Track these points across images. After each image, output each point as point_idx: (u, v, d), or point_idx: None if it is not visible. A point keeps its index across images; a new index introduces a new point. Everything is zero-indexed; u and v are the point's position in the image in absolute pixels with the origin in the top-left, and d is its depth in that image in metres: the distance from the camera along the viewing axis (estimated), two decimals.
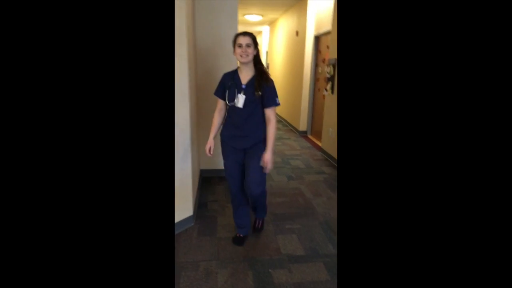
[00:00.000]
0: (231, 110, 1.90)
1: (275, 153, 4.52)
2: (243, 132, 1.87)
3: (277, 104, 1.85)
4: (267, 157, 1.84)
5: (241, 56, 1.77)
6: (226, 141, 1.95)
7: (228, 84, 1.88)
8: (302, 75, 5.13)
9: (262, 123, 1.88)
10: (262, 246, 2.09)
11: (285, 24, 6.27)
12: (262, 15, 6.61)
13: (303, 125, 5.34)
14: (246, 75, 1.86)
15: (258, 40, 6.05)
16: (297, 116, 5.47)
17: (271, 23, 7.76)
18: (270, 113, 1.85)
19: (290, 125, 5.88)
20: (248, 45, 1.77)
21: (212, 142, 1.95)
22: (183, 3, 1.93)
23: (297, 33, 5.39)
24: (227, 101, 1.88)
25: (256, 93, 1.79)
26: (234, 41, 1.81)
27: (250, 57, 1.79)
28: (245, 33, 1.79)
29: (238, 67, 1.92)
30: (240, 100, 1.82)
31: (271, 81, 1.84)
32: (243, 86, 1.84)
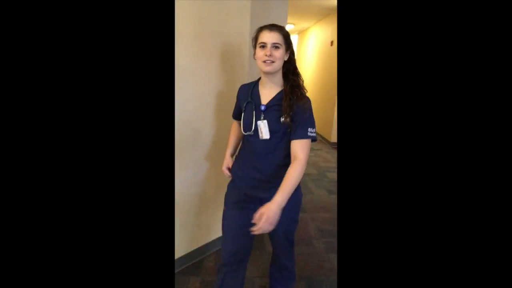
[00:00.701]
0: (246, 140, 1.31)
1: (308, 164, 4.45)
2: (262, 175, 1.25)
3: (310, 137, 1.17)
4: (269, 210, 1.04)
5: (264, 62, 1.15)
6: (237, 183, 1.32)
7: (244, 103, 1.28)
8: (336, 85, 5.03)
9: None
10: (315, 265, 1.98)
11: (318, 33, 6.20)
12: (294, 24, 6.58)
13: (334, 136, 5.21)
14: (269, 91, 1.24)
15: None
16: (328, 127, 5.35)
17: (301, 32, 7.73)
18: (297, 148, 1.16)
19: (321, 136, 5.77)
20: (276, 46, 1.14)
21: (230, 160, 1.45)
22: (248, 6, 1.88)
23: (331, 43, 5.31)
24: (242, 129, 1.28)
25: (284, 120, 1.16)
26: (255, 38, 1.19)
27: (277, 64, 1.16)
28: (272, 27, 1.16)
29: (259, 79, 1.29)
30: (263, 129, 1.20)
31: (307, 100, 1.18)
32: (262, 107, 1.22)
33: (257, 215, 1.05)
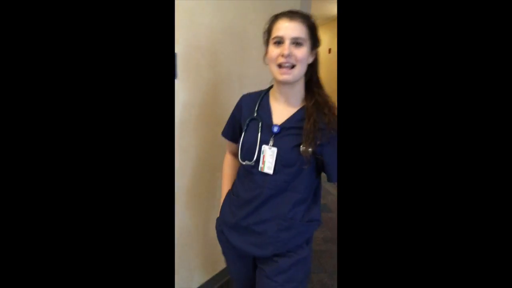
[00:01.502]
0: (244, 172, 0.95)
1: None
2: (260, 225, 0.90)
3: None
4: None
5: (280, 67, 0.82)
6: (225, 234, 0.98)
7: (247, 119, 0.93)
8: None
9: (304, 213, 0.91)
10: None
11: None
12: None
13: None
14: (284, 107, 0.90)
15: None
16: None
17: None
18: None
19: None
20: (297, 42, 0.81)
21: None
22: None
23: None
24: (239, 156, 0.92)
25: (303, 150, 0.83)
26: (268, 31, 0.86)
27: (299, 70, 0.83)
28: (294, 15, 0.82)
29: (270, 87, 0.96)
30: (268, 158, 0.86)
31: None
32: (275, 129, 0.88)
33: None
